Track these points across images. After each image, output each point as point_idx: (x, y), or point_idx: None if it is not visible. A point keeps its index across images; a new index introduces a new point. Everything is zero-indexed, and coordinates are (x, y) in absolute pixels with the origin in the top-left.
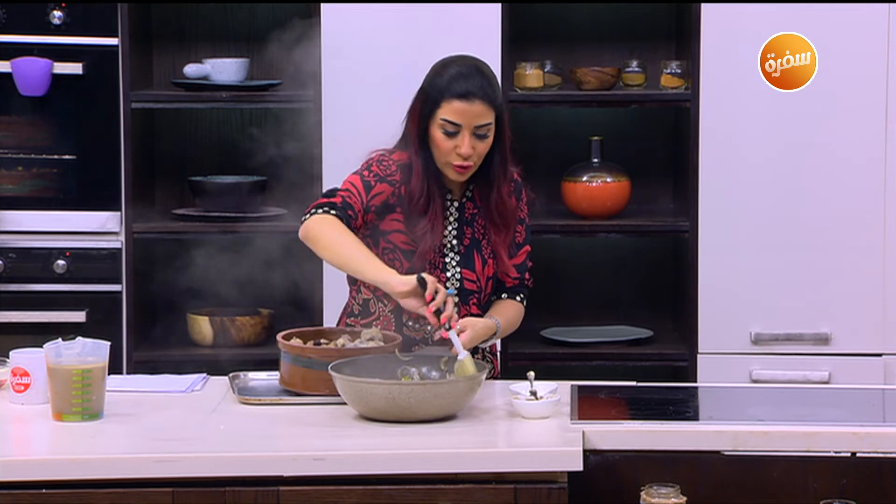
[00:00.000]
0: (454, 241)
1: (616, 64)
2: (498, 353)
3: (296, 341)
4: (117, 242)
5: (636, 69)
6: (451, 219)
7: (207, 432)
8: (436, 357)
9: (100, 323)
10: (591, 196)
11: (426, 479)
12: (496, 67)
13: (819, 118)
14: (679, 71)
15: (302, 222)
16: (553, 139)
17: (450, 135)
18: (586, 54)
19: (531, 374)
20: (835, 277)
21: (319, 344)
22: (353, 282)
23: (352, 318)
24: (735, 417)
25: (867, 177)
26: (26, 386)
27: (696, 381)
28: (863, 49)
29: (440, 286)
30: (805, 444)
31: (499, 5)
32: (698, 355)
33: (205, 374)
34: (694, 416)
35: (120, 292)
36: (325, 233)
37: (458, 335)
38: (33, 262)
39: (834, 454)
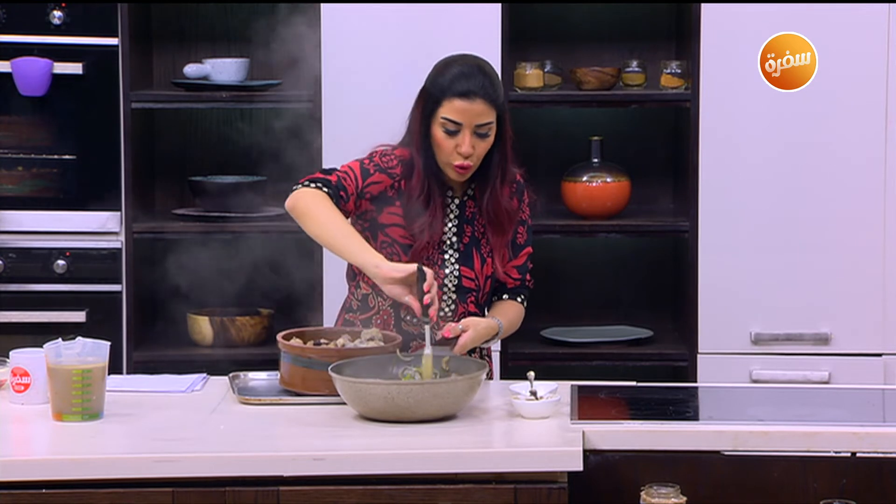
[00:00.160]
0: (454, 239)
1: (616, 64)
2: (493, 354)
3: (296, 341)
4: (117, 242)
5: (636, 69)
6: (452, 216)
7: (207, 432)
8: (437, 357)
9: (100, 323)
10: (591, 196)
11: (426, 479)
12: (496, 67)
13: (819, 118)
14: (679, 71)
15: (292, 190)
16: (553, 139)
17: (451, 133)
18: (586, 54)
19: (531, 374)
20: (835, 277)
21: (319, 344)
22: (353, 277)
23: (350, 314)
24: (735, 417)
25: (867, 177)
26: (26, 386)
27: (696, 381)
28: (863, 49)
29: (435, 281)
30: (805, 444)
31: (499, 5)
32: (698, 355)
33: (205, 374)
34: (694, 416)
35: (120, 292)
36: (313, 208)
37: (460, 335)
38: (33, 262)
39: (834, 454)
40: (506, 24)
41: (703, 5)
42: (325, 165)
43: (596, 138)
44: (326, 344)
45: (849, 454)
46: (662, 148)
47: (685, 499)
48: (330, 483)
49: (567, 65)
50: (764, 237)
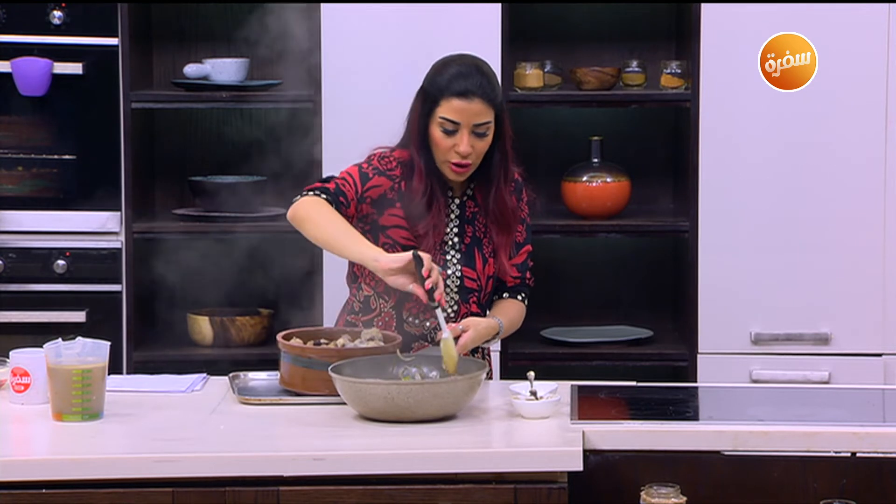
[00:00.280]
0: (455, 239)
1: (616, 64)
2: (492, 354)
3: (296, 341)
4: (117, 242)
5: (636, 69)
6: (453, 216)
7: (207, 432)
8: (437, 357)
9: (100, 323)
10: (591, 196)
11: (426, 479)
12: (496, 67)
13: (819, 118)
14: (679, 71)
15: (292, 202)
16: (553, 139)
17: (449, 133)
18: (586, 54)
19: (531, 374)
20: (835, 277)
21: (319, 344)
22: (354, 279)
23: (352, 316)
24: (735, 417)
25: (867, 177)
26: (26, 386)
27: (696, 381)
28: (863, 49)
29: (434, 264)
30: (805, 444)
31: (499, 5)
32: (698, 355)
33: (205, 374)
34: (694, 416)
35: (120, 292)
36: (312, 213)
37: (461, 335)
38: (33, 262)
39: (834, 454)
40: (506, 24)
41: (703, 5)
42: (325, 165)
43: (596, 138)
44: (326, 344)
45: (849, 454)
46: (662, 148)
47: (685, 499)
48: (330, 483)
49: (567, 65)
50: (764, 237)
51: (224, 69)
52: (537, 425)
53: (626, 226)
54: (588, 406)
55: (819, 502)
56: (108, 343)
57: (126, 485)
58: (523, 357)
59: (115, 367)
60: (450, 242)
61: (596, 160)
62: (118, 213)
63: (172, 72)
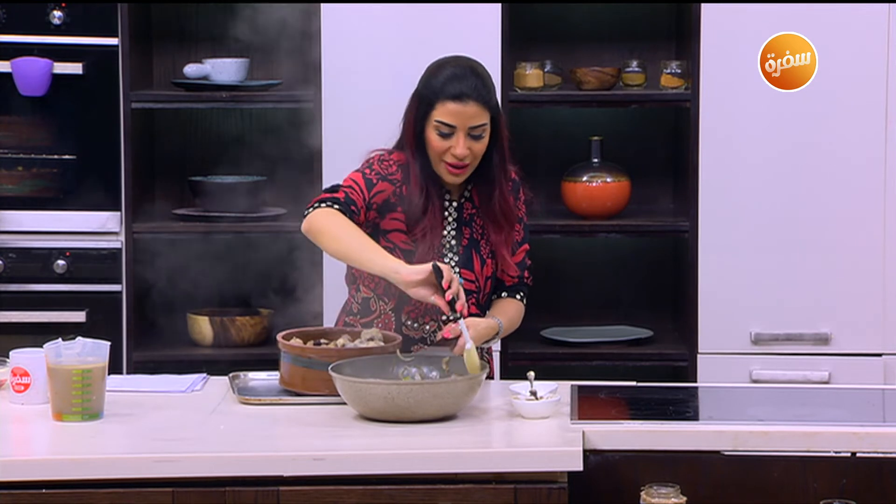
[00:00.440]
0: (453, 242)
1: (616, 64)
2: (493, 354)
3: (296, 341)
4: (117, 242)
5: (636, 69)
6: (450, 219)
7: (207, 432)
8: (437, 357)
9: (100, 323)
10: (591, 196)
11: (426, 479)
12: (496, 67)
13: (819, 118)
14: (679, 71)
15: (304, 216)
16: (553, 139)
17: (444, 136)
18: (586, 54)
19: (531, 374)
20: (835, 277)
21: (319, 344)
22: (353, 280)
23: (351, 317)
24: (735, 417)
25: (867, 177)
26: (26, 386)
27: (696, 381)
28: (863, 49)
29: (454, 275)
30: (805, 444)
31: (499, 5)
32: (698, 355)
33: (205, 374)
34: (694, 416)
35: (120, 292)
36: (329, 226)
37: (461, 335)
38: (33, 262)
39: (834, 454)
40: (506, 24)
41: (703, 5)
42: (325, 165)
43: (596, 138)
44: (326, 344)
45: (849, 454)
46: (662, 148)
47: (685, 499)
48: (330, 483)
49: (567, 65)
50: (764, 237)
51: (224, 69)
52: (537, 425)
53: (626, 226)
54: (588, 406)
55: (819, 502)
56: (108, 343)
57: (126, 485)
58: (523, 357)
59: (115, 367)
60: (447, 245)
61: (596, 160)
62: (118, 213)
63: (172, 72)
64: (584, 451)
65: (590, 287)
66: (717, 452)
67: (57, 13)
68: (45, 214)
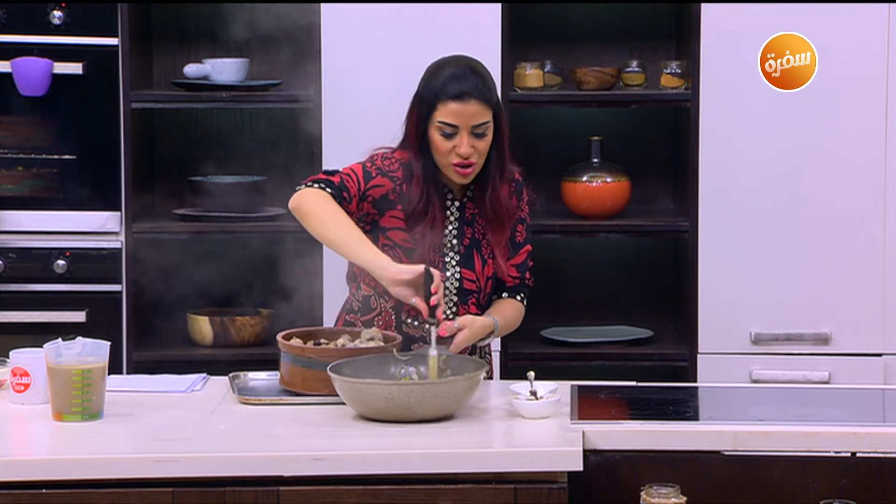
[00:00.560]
0: (454, 241)
1: (616, 64)
2: (493, 354)
3: (296, 341)
4: (117, 242)
5: (636, 69)
6: (452, 218)
7: (207, 432)
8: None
9: (100, 323)
10: (591, 196)
11: (426, 479)
12: (496, 67)
13: (819, 118)
14: (679, 71)
15: (295, 191)
16: (553, 139)
17: (448, 136)
18: (586, 54)
19: (531, 374)
20: (835, 277)
21: (319, 344)
22: (353, 279)
23: (351, 315)
24: (735, 417)
25: (867, 177)
26: (26, 386)
27: (696, 381)
28: (863, 49)
29: (441, 283)
30: (805, 444)
31: (499, 5)
32: (698, 355)
33: (205, 374)
34: (694, 416)
35: (120, 292)
36: (318, 208)
37: (456, 333)
38: (33, 262)
39: (834, 454)
40: (506, 24)
41: (703, 5)
42: (325, 166)
43: (596, 138)
44: (326, 344)
45: (849, 454)
46: (662, 148)
47: (685, 499)
48: (330, 483)
49: (567, 65)
50: (764, 237)
51: (224, 69)
52: (537, 425)
53: (626, 226)
54: (588, 406)
55: (819, 502)
56: (108, 343)
57: (126, 485)
58: (523, 357)
59: (115, 367)
60: (449, 244)
61: (596, 160)
62: (118, 213)
63: (172, 72)
64: (584, 451)
65: (590, 287)
66: (717, 452)
67: (57, 13)
68: (45, 214)
